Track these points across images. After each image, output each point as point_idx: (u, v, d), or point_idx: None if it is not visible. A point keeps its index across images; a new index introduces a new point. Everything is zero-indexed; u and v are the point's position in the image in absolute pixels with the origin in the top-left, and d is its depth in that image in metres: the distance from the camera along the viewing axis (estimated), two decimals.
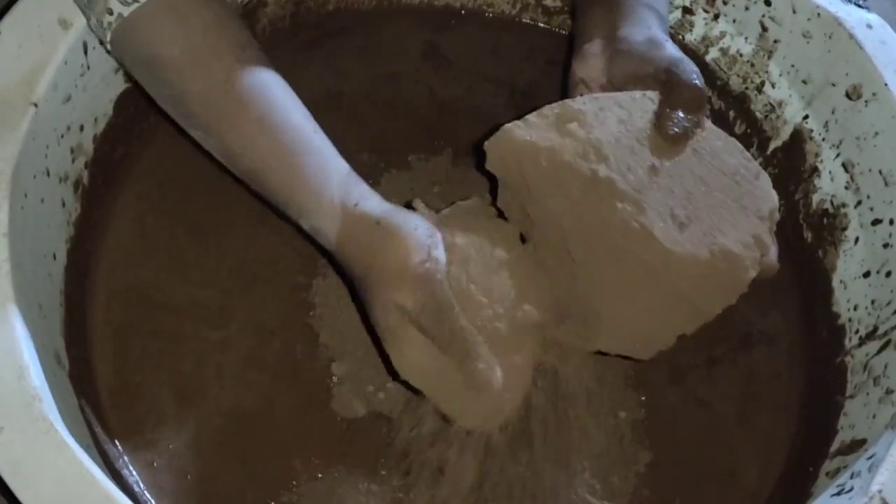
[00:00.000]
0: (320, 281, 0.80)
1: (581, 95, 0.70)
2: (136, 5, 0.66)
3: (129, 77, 0.82)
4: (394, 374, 0.65)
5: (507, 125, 0.66)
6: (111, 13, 0.67)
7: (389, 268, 0.64)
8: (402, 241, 0.64)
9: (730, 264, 0.62)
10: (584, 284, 0.65)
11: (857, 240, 0.82)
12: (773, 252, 0.65)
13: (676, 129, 0.65)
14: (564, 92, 0.75)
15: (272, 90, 0.70)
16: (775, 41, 0.88)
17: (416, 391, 0.66)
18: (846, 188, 0.84)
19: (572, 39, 0.79)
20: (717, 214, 0.63)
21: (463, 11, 0.99)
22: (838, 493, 0.65)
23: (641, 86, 0.69)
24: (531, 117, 0.66)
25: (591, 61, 0.73)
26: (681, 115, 0.65)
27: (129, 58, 0.71)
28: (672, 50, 0.70)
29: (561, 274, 0.66)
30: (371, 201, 0.68)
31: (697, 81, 0.67)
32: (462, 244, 0.66)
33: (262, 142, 0.68)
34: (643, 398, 0.78)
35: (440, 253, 0.64)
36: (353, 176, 0.69)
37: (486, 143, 0.66)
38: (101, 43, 0.71)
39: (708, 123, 0.67)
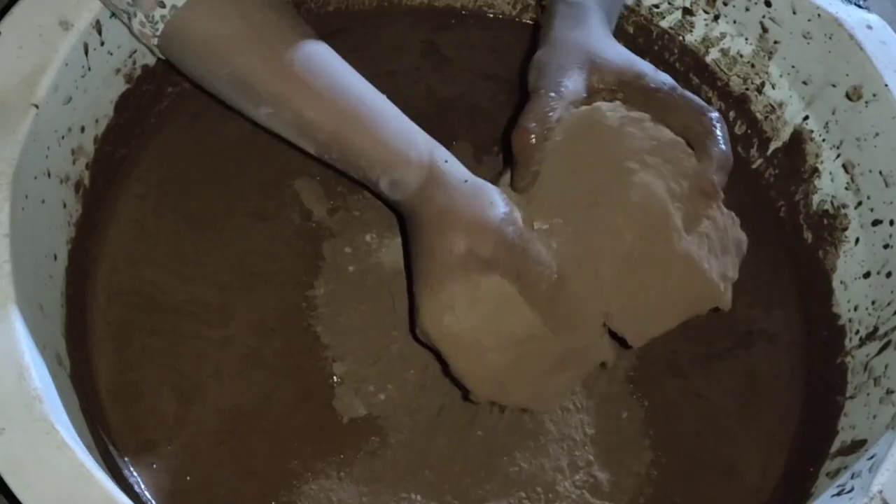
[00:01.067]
0: (321, 280, 0.80)
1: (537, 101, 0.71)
2: None
3: (129, 78, 0.82)
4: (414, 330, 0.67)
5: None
6: (164, 5, 0.67)
7: (467, 216, 0.64)
8: (486, 197, 0.66)
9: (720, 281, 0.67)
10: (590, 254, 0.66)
11: (857, 240, 0.83)
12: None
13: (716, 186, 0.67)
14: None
15: (336, 59, 0.71)
16: (775, 42, 0.88)
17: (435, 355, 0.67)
18: (846, 189, 0.84)
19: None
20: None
21: (463, 12, 0.99)
22: (839, 494, 0.65)
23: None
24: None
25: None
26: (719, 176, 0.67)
27: (184, 47, 0.70)
28: (646, 68, 0.71)
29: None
30: (457, 163, 0.69)
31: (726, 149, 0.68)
32: None
33: (341, 105, 0.69)
34: (644, 398, 0.78)
35: (518, 216, 0.65)
36: (433, 139, 0.71)
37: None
38: (146, 41, 0.71)
39: None
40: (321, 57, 0.71)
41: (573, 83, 0.68)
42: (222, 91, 0.72)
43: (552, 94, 0.67)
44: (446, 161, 0.69)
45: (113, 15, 0.75)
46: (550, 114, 0.66)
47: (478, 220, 0.64)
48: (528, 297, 0.64)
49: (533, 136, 0.66)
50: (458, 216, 0.65)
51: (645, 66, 0.71)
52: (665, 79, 0.70)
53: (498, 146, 0.90)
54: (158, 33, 0.69)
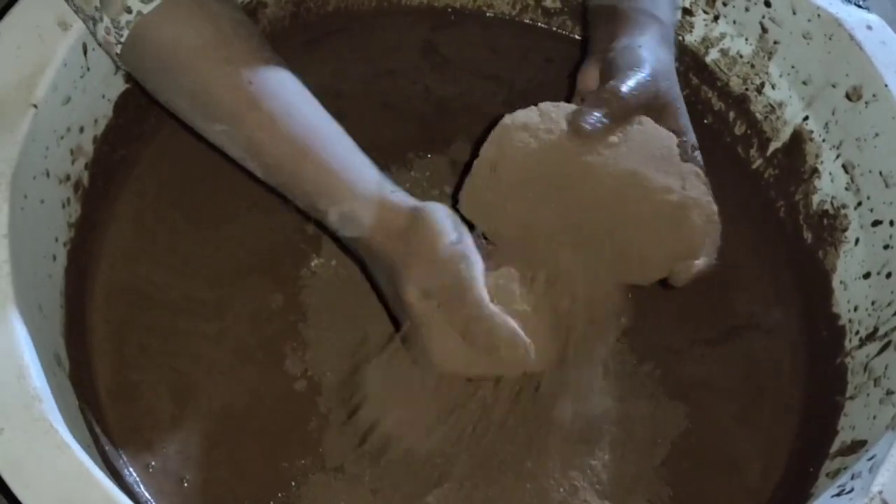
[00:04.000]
0: (317, 277, 0.80)
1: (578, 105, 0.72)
2: (158, 1, 0.66)
3: (128, 78, 0.82)
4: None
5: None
6: (130, 11, 0.67)
7: (421, 252, 0.64)
8: (435, 225, 0.64)
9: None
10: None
11: (857, 241, 0.82)
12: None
13: (585, 124, 0.65)
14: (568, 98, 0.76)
15: (296, 86, 0.71)
16: (775, 42, 0.88)
17: None
18: (846, 189, 0.84)
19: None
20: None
21: (465, 12, 0.99)
22: (839, 494, 0.65)
23: None
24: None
25: (589, 75, 0.74)
26: (594, 112, 0.66)
27: (146, 57, 0.70)
28: (641, 55, 0.70)
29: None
30: (403, 193, 0.68)
31: (623, 89, 0.67)
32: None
33: (292, 129, 0.68)
34: (643, 398, 0.78)
35: (468, 240, 0.65)
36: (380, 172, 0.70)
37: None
38: (108, 48, 0.70)
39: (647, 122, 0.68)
40: (279, 80, 0.70)
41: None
42: (179, 104, 0.71)
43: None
44: (393, 192, 0.67)
45: None
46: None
47: (429, 256, 0.63)
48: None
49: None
50: (415, 258, 0.64)
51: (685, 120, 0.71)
52: (692, 139, 0.70)
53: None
54: (122, 40, 0.68)
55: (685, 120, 0.71)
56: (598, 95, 0.67)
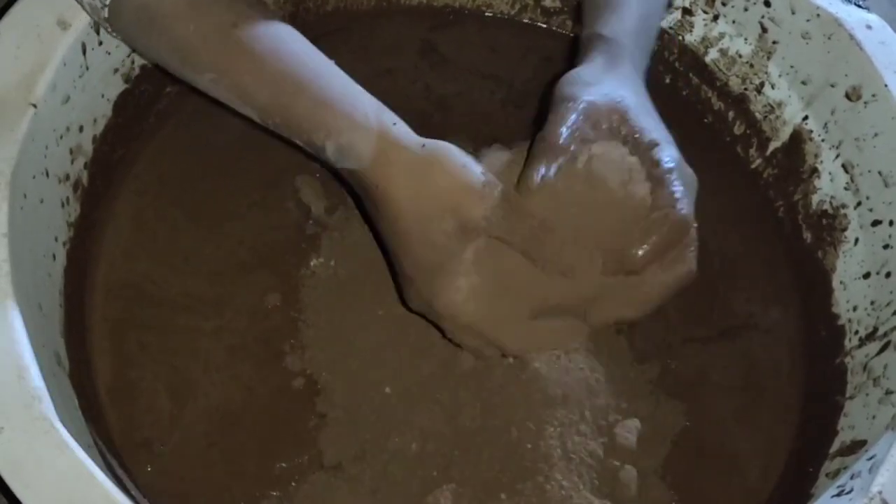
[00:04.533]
0: (315, 275, 0.80)
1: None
2: None
3: (128, 78, 0.82)
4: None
5: None
6: None
7: (446, 188, 0.62)
8: (453, 160, 0.63)
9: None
10: None
11: (856, 241, 0.82)
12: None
13: (535, 182, 0.64)
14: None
15: (281, 26, 0.70)
16: (774, 42, 0.88)
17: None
18: (846, 189, 0.84)
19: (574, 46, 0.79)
20: None
21: (464, 11, 1.00)
22: (839, 494, 0.65)
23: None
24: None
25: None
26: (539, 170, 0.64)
27: (129, 18, 0.70)
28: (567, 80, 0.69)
29: None
30: (405, 126, 0.66)
31: (553, 139, 0.64)
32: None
33: (281, 68, 0.67)
34: (643, 399, 0.78)
35: (492, 174, 0.64)
36: (381, 103, 0.68)
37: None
38: (97, 15, 0.70)
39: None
40: (264, 22, 0.69)
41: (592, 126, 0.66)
42: (168, 61, 0.71)
43: (581, 121, 0.65)
44: (395, 124, 0.66)
45: None
46: (576, 134, 0.65)
47: (458, 192, 0.62)
48: (519, 247, 0.64)
49: (562, 141, 0.64)
50: (436, 195, 0.63)
51: (660, 135, 0.68)
52: (668, 156, 0.66)
53: (497, 145, 0.90)
54: (107, 3, 0.69)
55: (644, 121, 0.67)
56: (532, 149, 0.65)
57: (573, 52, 0.78)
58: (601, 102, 0.66)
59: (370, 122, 0.65)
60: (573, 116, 0.65)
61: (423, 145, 0.64)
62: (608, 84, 0.68)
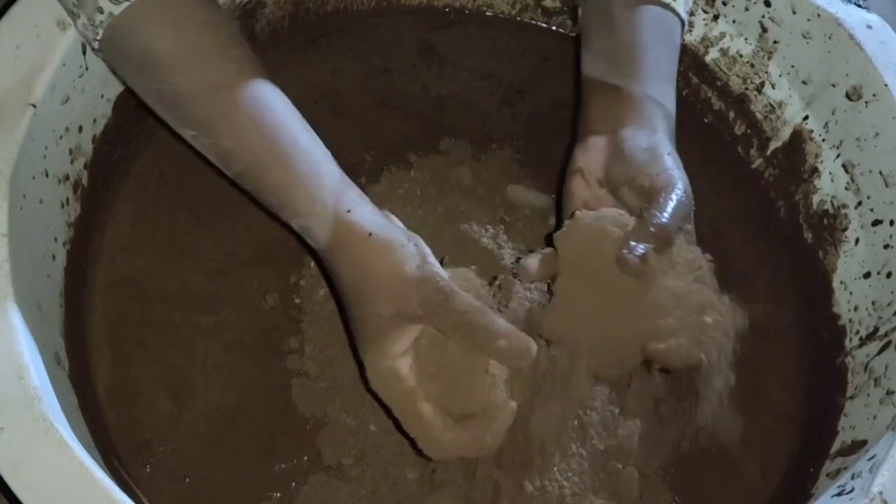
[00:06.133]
0: (314, 274, 0.81)
1: (577, 183, 0.74)
2: (126, 3, 0.66)
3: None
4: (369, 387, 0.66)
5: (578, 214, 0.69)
6: (101, 12, 0.67)
7: (384, 278, 0.64)
8: (396, 251, 0.65)
9: None
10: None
11: (857, 241, 0.82)
12: None
13: (632, 258, 0.65)
14: (567, 151, 0.77)
15: (265, 91, 0.70)
16: (775, 42, 0.88)
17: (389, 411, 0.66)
18: (846, 189, 0.84)
19: (576, 123, 0.79)
20: None
21: (464, 11, 0.99)
22: (839, 494, 0.65)
23: (636, 193, 0.70)
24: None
25: (593, 154, 0.74)
26: (640, 247, 0.65)
27: (120, 57, 0.71)
28: (669, 166, 0.69)
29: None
30: (363, 209, 0.68)
31: (667, 221, 0.66)
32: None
33: (256, 140, 0.68)
34: (642, 399, 0.78)
35: (434, 261, 0.65)
36: (346, 180, 0.70)
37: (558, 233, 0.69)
38: (89, 43, 0.71)
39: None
40: (251, 88, 0.70)
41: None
42: (153, 105, 0.72)
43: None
44: (349, 211, 0.67)
45: None
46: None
47: (394, 280, 0.64)
48: (451, 336, 0.64)
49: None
50: (376, 284, 0.64)
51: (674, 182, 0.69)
52: (668, 217, 0.67)
53: (495, 144, 0.90)
54: (98, 37, 0.69)
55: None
56: (645, 230, 0.66)
57: (573, 53, 0.79)
58: (689, 192, 0.69)
59: (328, 208, 0.67)
60: (679, 204, 0.67)
61: (371, 234, 0.66)
62: (681, 170, 0.70)
